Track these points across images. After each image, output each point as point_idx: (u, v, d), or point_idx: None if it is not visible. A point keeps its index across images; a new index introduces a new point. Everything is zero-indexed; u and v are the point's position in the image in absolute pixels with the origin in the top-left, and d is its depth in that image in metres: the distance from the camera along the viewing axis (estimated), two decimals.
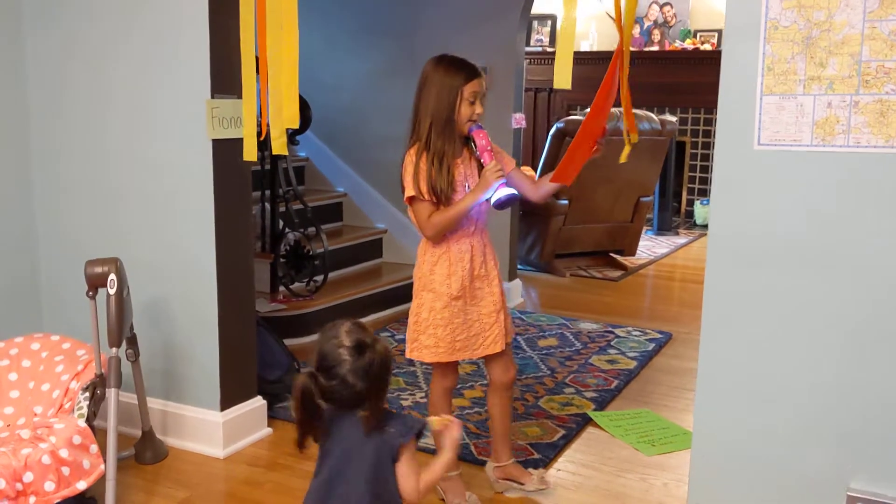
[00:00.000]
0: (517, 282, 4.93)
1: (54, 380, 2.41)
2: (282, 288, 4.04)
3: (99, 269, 2.42)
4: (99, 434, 2.35)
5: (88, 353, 2.48)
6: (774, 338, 1.89)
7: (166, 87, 2.73)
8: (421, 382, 3.45)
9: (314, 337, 4.37)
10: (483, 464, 2.74)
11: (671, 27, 8.04)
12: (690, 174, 8.14)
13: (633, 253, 6.14)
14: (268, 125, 2.37)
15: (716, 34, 7.86)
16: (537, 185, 2.43)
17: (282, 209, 4.01)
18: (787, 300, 1.86)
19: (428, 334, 2.35)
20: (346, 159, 5.11)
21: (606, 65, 2.13)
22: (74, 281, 2.63)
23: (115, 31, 2.80)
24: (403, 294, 4.19)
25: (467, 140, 2.33)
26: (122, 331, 2.42)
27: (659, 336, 4.18)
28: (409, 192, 2.28)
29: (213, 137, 2.66)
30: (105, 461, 2.29)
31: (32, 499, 2.06)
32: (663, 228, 7.31)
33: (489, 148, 2.30)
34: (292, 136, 3.87)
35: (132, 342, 2.61)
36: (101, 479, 2.28)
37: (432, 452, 2.52)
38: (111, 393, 2.38)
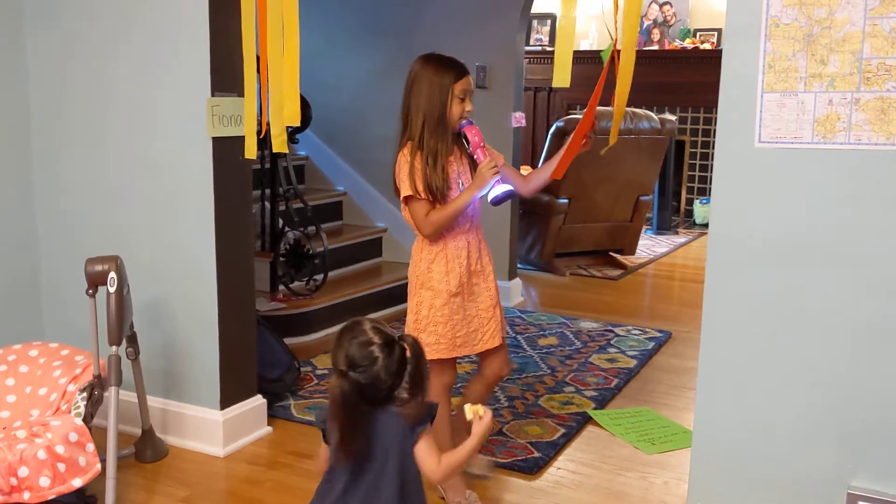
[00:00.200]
0: (517, 281, 4.93)
1: (52, 384, 2.41)
2: (281, 287, 4.04)
3: (99, 267, 2.41)
4: (99, 433, 2.35)
5: (87, 358, 2.47)
6: (774, 336, 1.89)
7: (166, 86, 2.73)
8: None
9: (314, 336, 4.38)
10: None
11: (671, 26, 8.04)
12: (690, 173, 8.14)
13: (632, 252, 6.14)
14: (268, 123, 2.37)
15: (715, 33, 7.86)
16: (527, 180, 2.45)
17: (282, 208, 4.01)
18: (788, 298, 1.86)
19: (429, 332, 2.35)
20: (346, 158, 5.11)
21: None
22: (74, 280, 2.63)
23: (115, 30, 2.79)
24: (403, 293, 4.17)
25: (457, 137, 2.34)
26: (122, 329, 2.42)
27: (659, 335, 4.18)
28: (406, 191, 2.29)
29: (214, 136, 2.66)
30: (105, 459, 2.29)
31: (27, 494, 2.06)
32: (663, 228, 7.31)
33: (482, 145, 2.32)
34: (292, 134, 3.87)
35: (132, 340, 2.61)
36: (102, 478, 2.28)
37: None
38: (112, 391, 2.37)
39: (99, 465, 2.23)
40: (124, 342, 2.50)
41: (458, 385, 3.41)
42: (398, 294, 4.41)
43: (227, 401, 2.81)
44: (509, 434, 2.96)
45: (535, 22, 8.40)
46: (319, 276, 4.06)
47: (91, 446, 2.22)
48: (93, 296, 2.44)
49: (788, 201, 1.83)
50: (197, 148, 2.68)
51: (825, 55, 1.73)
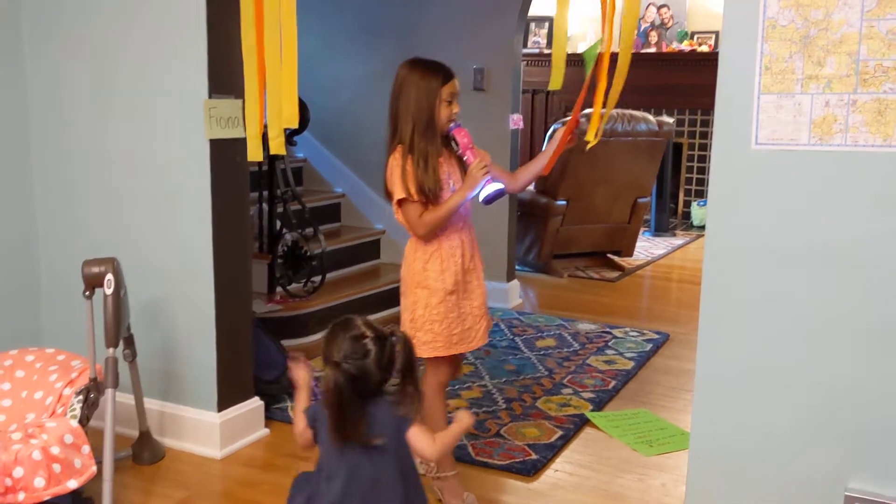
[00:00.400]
0: (515, 282, 4.93)
1: (47, 388, 2.40)
2: (279, 288, 4.04)
3: (96, 269, 2.41)
4: (96, 435, 2.34)
5: (83, 363, 2.46)
6: (772, 338, 1.89)
7: (164, 88, 2.72)
8: None
9: (311, 338, 4.37)
10: (482, 465, 2.74)
11: (668, 29, 8.05)
12: (687, 175, 8.15)
13: (630, 254, 6.15)
14: (265, 125, 2.37)
15: (713, 36, 7.87)
16: (515, 177, 2.50)
17: (280, 210, 4.01)
18: (785, 300, 1.86)
19: (425, 330, 2.37)
20: (344, 160, 5.11)
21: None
22: (73, 281, 2.63)
23: (114, 32, 2.79)
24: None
25: (446, 139, 2.38)
26: (119, 331, 2.42)
27: (656, 337, 4.18)
28: (400, 194, 2.32)
29: (211, 137, 2.66)
30: (102, 461, 2.28)
31: (22, 495, 2.05)
32: (660, 229, 7.32)
33: (471, 146, 2.36)
34: (290, 136, 3.87)
35: (129, 342, 2.61)
36: (98, 480, 2.27)
37: None
38: (108, 393, 2.37)
39: (95, 467, 2.22)
40: (121, 344, 2.50)
41: (457, 387, 3.41)
42: (396, 296, 4.35)
43: (224, 403, 2.81)
44: (507, 436, 2.96)
45: (532, 25, 8.41)
46: (317, 278, 4.05)
47: (87, 448, 2.21)
48: (90, 298, 2.43)
49: (785, 203, 1.83)
50: (194, 150, 2.68)
51: (822, 57, 1.73)
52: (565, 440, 2.94)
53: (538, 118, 8.26)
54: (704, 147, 7.96)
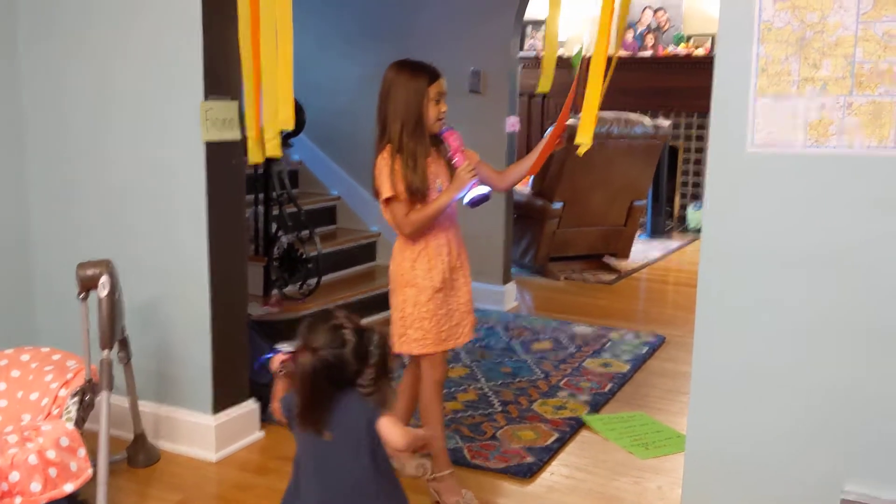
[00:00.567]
0: (511, 285, 4.93)
1: (43, 388, 2.39)
2: (275, 291, 4.03)
3: (90, 272, 2.40)
4: (91, 437, 2.33)
5: (79, 363, 2.45)
6: (768, 340, 1.89)
7: (160, 90, 2.72)
8: None
9: None
10: (477, 468, 2.73)
11: (664, 32, 8.06)
12: (683, 178, 8.15)
13: (626, 256, 6.15)
14: (261, 127, 2.37)
15: (709, 39, 7.88)
16: (502, 176, 2.55)
17: (275, 212, 4.00)
18: (781, 302, 1.86)
19: (415, 328, 2.41)
20: (340, 163, 5.10)
21: None
22: (69, 282, 2.62)
23: (110, 34, 2.79)
24: None
25: (434, 138, 2.42)
26: (113, 333, 2.41)
27: (652, 339, 4.18)
28: (387, 193, 2.35)
29: (207, 140, 2.65)
30: (97, 464, 2.27)
31: (18, 499, 2.04)
32: (656, 232, 7.33)
33: (461, 149, 2.40)
34: (286, 138, 3.87)
35: (124, 344, 2.60)
36: (93, 483, 2.26)
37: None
38: (103, 395, 2.36)
39: (91, 470, 2.22)
40: (116, 346, 2.49)
41: (453, 389, 3.40)
42: None
43: (219, 405, 2.80)
44: (502, 439, 2.95)
45: (528, 28, 8.42)
46: (313, 281, 4.04)
47: (83, 451, 2.21)
48: (84, 300, 2.43)
49: (781, 205, 1.83)
50: (190, 152, 2.68)
51: (818, 59, 1.73)
52: (561, 443, 2.93)
53: (534, 121, 8.27)
54: (700, 150, 7.97)
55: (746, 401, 1.92)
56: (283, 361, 1.87)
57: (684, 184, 8.16)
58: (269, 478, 2.66)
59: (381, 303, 4.45)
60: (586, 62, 2.27)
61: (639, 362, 3.83)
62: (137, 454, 2.73)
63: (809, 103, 1.75)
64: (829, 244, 1.79)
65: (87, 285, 2.41)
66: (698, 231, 7.47)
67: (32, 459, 2.05)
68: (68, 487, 2.13)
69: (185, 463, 2.76)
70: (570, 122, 5.30)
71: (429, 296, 2.40)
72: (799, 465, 1.88)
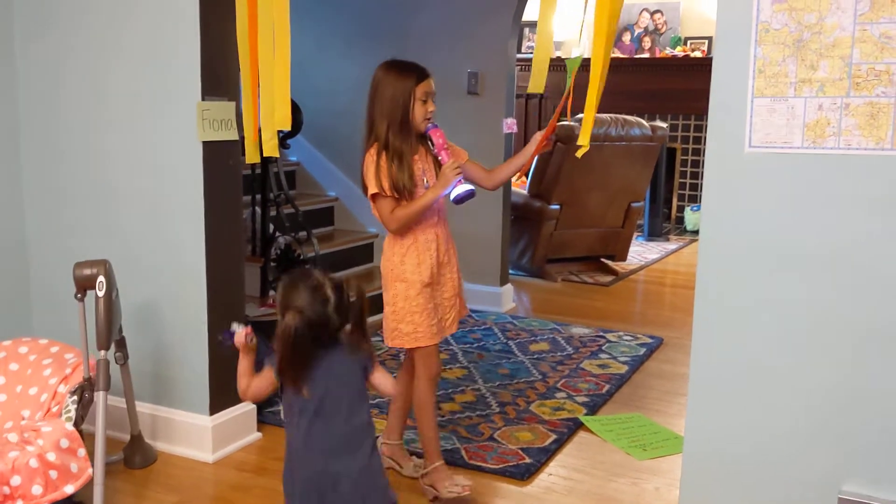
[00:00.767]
0: (509, 286, 4.93)
1: (42, 383, 2.39)
2: (272, 292, 4.02)
3: (87, 272, 2.40)
4: (87, 438, 2.33)
5: (77, 356, 2.46)
6: (765, 341, 1.89)
7: (157, 90, 2.72)
8: None
9: None
10: (475, 469, 2.73)
11: (661, 34, 8.07)
12: (681, 180, 8.17)
13: (624, 258, 6.15)
14: (259, 127, 2.37)
15: (706, 41, 7.90)
16: (491, 175, 2.57)
17: (273, 213, 3.99)
18: (778, 303, 1.86)
19: (406, 322, 2.44)
20: (338, 164, 5.10)
21: None
22: (65, 282, 2.61)
23: (107, 34, 2.78)
24: None
25: (422, 137, 2.45)
26: (110, 333, 2.41)
27: (650, 341, 4.18)
28: (373, 189, 2.39)
29: (204, 140, 2.65)
30: (93, 465, 2.27)
31: (20, 502, 2.05)
32: (654, 234, 7.33)
33: (446, 146, 2.43)
34: (283, 139, 3.86)
35: (121, 345, 2.59)
36: (90, 484, 2.26)
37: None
38: (100, 396, 2.36)
39: (91, 470, 2.22)
40: (113, 346, 2.49)
41: (450, 391, 3.40)
42: None
43: (216, 406, 2.80)
44: (500, 440, 2.95)
45: (526, 30, 8.43)
46: None
47: (82, 451, 2.21)
48: (82, 300, 2.42)
49: (779, 206, 1.83)
50: (187, 152, 2.67)
51: (815, 60, 1.73)
52: (559, 444, 2.93)
53: (532, 122, 8.27)
54: (698, 152, 7.99)
55: (745, 401, 1.92)
56: (247, 334, 1.95)
57: (682, 186, 8.17)
58: (266, 478, 2.66)
59: (380, 304, 4.46)
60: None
61: (636, 364, 3.83)
62: (134, 455, 2.73)
63: (807, 104, 1.75)
64: (826, 244, 1.79)
65: (85, 285, 2.41)
66: (696, 233, 7.48)
67: (33, 463, 2.06)
68: (69, 489, 2.14)
69: (182, 464, 2.75)
70: (564, 123, 5.33)
71: (418, 290, 2.43)
72: (796, 465, 1.88)
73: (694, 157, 8.03)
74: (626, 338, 4.24)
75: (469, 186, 2.42)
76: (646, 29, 8.10)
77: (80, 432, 2.27)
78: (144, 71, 2.73)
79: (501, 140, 4.58)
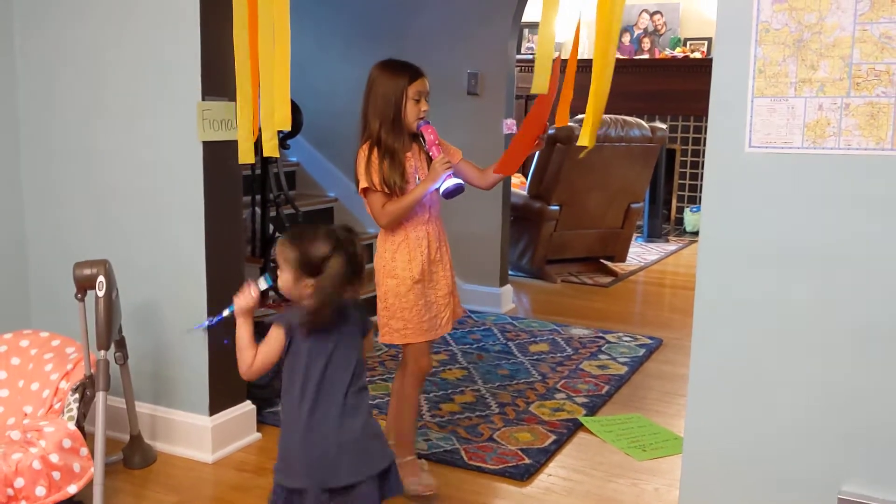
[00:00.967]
0: (508, 287, 4.93)
1: (44, 379, 2.40)
2: (271, 293, 4.02)
3: (88, 271, 2.40)
4: (87, 438, 2.33)
5: (78, 350, 2.46)
6: (765, 342, 1.89)
7: (157, 89, 2.72)
8: None
9: None
10: (475, 469, 2.73)
11: (661, 35, 8.08)
12: (680, 181, 8.17)
13: (623, 259, 6.15)
14: (259, 127, 2.37)
15: (705, 42, 7.90)
16: (484, 175, 2.59)
17: (272, 213, 3.99)
18: (778, 304, 1.86)
19: (397, 318, 2.47)
20: (338, 164, 5.10)
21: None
22: (64, 282, 2.61)
23: (107, 33, 2.78)
24: None
25: (415, 135, 2.49)
26: (110, 333, 2.41)
27: (649, 342, 4.18)
28: (363, 184, 2.44)
29: (204, 140, 2.65)
30: (93, 465, 2.27)
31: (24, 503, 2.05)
32: (653, 235, 7.33)
33: (437, 142, 2.47)
34: (283, 139, 3.86)
35: (121, 345, 2.59)
36: (89, 484, 2.26)
37: None
38: (99, 396, 2.35)
39: (93, 469, 2.22)
40: (112, 346, 2.48)
41: (450, 391, 3.39)
42: None
43: (215, 406, 2.80)
44: (500, 440, 2.95)
45: (526, 31, 8.43)
46: None
47: (84, 450, 2.22)
48: (82, 300, 2.42)
49: (779, 206, 1.83)
50: (187, 152, 2.67)
51: (815, 60, 1.73)
52: (559, 445, 2.93)
53: None
54: (697, 153, 7.99)
55: (744, 402, 1.92)
56: (265, 291, 1.94)
57: (681, 186, 8.18)
58: (266, 479, 2.65)
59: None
60: (562, 64, 2.29)
61: (636, 364, 3.83)
62: (134, 455, 2.72)
63: (807, 104, 1.75)
64: (827, 245, 1.79)
65: (84, 285, 2.41)
66: (695, 234, 7.49)
67: (36, 465, 2.07)
68: (72, 489, 2.15)
69: (182, 464, 2.75)
70: (568, 124, 5.33)
71: (408, 286, 2.45)
72: (796, 466, 1.88)
73: (693, 159, 8.03)
74: (625, 339, 4.24)
75: (458, 181, 2.45)
76: (645, 30, 8.10)
77: (82, 430, 2.27)
78: (144, 71, 2.73)
79: (501, 140, 4.58)
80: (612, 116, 5.54)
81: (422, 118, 2.45)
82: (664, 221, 7.82)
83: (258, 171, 3.91)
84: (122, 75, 2.78)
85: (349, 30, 5.01)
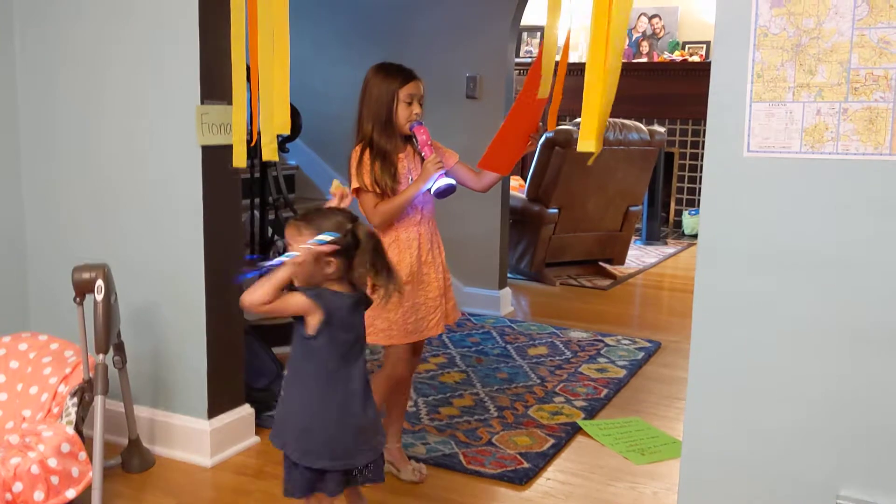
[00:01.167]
0: (507, 290, 4.93)
1: (42, 382, 2.39)
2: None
3: (86, 275, 2.40)
4: (86, 442, 2.33)
5: (76, 354, 2.45)
6: (764, 345, 1.89)
7: (156, 93, 2.72)
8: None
9: None
10: (473, 473, 2.73)
11: (660, 39, 8.09)
12: (679, 184, 8.18)
13: (622, 262, 6.16)
14: (258, 131, 2.37)
15: (704, 46, 7.92)
16: (480, 176, 2.61)
17: (271, 217, 4.00)
18: (777, 307, 1.86)
19: (382, 318, 2.47)
20: (337, 167, 5.11)
21: None
22: (63, 286, 2.61)
23: (106, 36, 2.78)
24: None
25: (408, 137, 2.52)
26: (109, 337, 2.40)
27: (648, 345, 4.19)
28: (355, 184, 2.47)
29: (203, 144, 2.65)
30: (92, 469, 2.27)
31: None
32: (652, 238, 7.34)
33: (429, 143, 2.49)
34: (282, 143, 3.87)
35: (119, 349, 2.59)
36: (89, 488, 2.26)
37: None
38: (98, 400, 2.35)
39: (91, 474, 2.22)
40: (111, 350, 2.48)
41: (449, 395, 3.39)
42: None
43: (214, 410, 2.79)
44: (498, 444, 2.95)
45: (525, 34, 8.44)
46: None
47: (83, 455, 2.21)
48: (80, 304, 2.42)
49: (777, 210, 1.83)
50: (186, 156, 2.68)
51: (813, 65, 1.73)
52: (557, 449, 2.93)
53: None
54: (696, 156, 8.00)
55: (743, 406, 1.92)
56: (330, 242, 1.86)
57: (679, 189, 8.19)
58: (265, 482, 2.66)
59: None
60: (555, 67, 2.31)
61: (635, 368, 3.84)
62: (132, 459, 2.72)
63: (805, 109, 1.75)
64: (825, 249, 1.79)
65: (83, 289, 2.41)
66: (694, 236, 7.50)
67: (35, 470, 2.06)
68: (70, 493, 2.14)
69: (180, 468, 2.75)
70: (563, 127, 5.34)
71: None
72: (795, 470, 1.88)
73: (692, 162, 8.04)
74: (624, 342, 4.24)
75: (450, 180, 2.47)
76: (644, 33, 8.12)
77: (81, 434, 2.26)
78: (143, 74, 2.73)
79: None
80: (611, 120, 5.55)
81: (414, 120, 2.47)
82: (663, 224, 7.83)
83: (257, 175, 3.92)
84: (122, 79, 2.78)
85: (348, 33, 5.02)
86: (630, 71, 7.87)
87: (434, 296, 2.54)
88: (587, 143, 2.06)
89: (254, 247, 4.01)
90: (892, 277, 1.74)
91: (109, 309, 2.40)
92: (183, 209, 2.71)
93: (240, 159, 2.47)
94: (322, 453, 1.90)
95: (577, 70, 7.75)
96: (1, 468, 2.04)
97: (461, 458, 2.83)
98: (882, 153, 1.70)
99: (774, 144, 1.79)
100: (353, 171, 2.47)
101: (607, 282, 5.74)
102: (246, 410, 2.92)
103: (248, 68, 2.38)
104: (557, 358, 3.96)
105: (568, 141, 5.13)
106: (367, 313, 2.47)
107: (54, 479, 2.10)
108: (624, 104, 7.37)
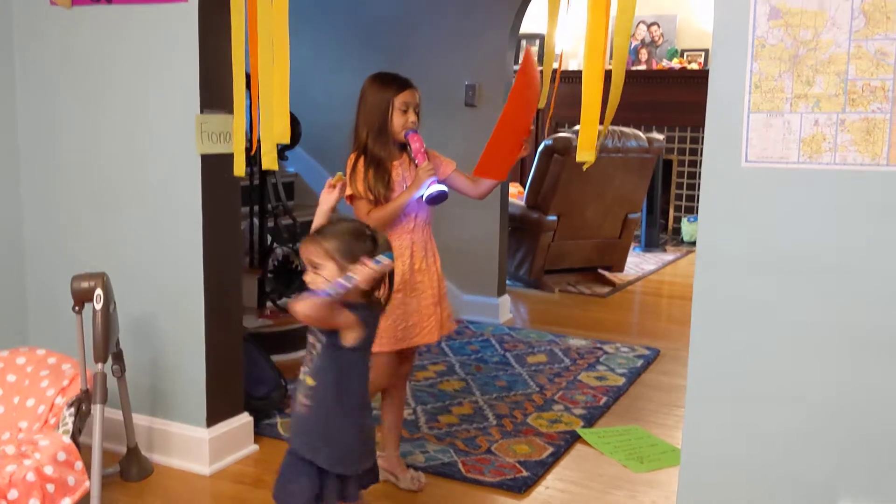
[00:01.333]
0: (506, 297, 4.93)
1: (39, 395, 2.39)
2: (269, 303, 4.02)
3: (85, 284, 2.40)
4: (84, 451, 2.32)
5: (74, 367, 2.45)
6: (762, 353, 1.89)
7: (156, 102, 2.72)
8: (410, 400, 3.43)
9: (301, 353, 4.35)
10: (472, 482, 2.73)
11: (658, 46, 8.11)
12: (677, 192, 8.19)
13: (621, 269, 6.16)
14: (258, 140, 2.38)
15: (703, 53, 7.94)
16: (476, 184, 2.61)
17: (270, 224, 4.00)
18: (776, 316, 1.86)
19: None
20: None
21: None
22: (62, 294, 2.61)
23: (105, 45, 2.79)
24: None
25: (404, 146, 2.54)
26: (107, 346, 2.40)
27: (647, 352, 4.19)
28: (349, 191, 2.48)
29: (202, 152, 2.65)
30: (90, 478, 2.27)
31: None
32: (651, 245, 7.35)
33: (423, 150, 2.52)
34: (282, 151, 3.88)
35: (118, 358, 2.59)
36: (86, 496, 2.26)
37: None
38: (96, 409, 2.35)
39: (87, 483, 2.21)
40: (110, 359, 2.48)
41: (448, 403, 3.39)
42: None
43: (213, 418, 2.79)
44: (497, 452, 2.95)
45: (523, 42, 8.46)
46: None
47: (79, 464, 2.21)
48: (79, 312, 2.42)
49: (776, 218, 1.83)
50: (186, 164, 2.68)
51: (811, 76, 1.74)
52: (556, 457, 2.93)
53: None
54: (694, 164, 8.01)
55: (742, 414, 1.93)
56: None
57: (678, 197, 8.20)
58: (263, 491, 2.65)
59: None
60: (552, 74, 2.33)
61: (634, 375, 3.84)
62: (130, 467, 2.72)
63: (802, 120, 1.76)
64: (823, 258, 1.80)
65: (82, 298, 2.41)
66: (692, 244, 7.50)
67: (30, 477, 2.06)
68: (66, 502, 2.13)
69: (179, 476, 2.75)
70: (562, 135, 5.35)
71: None
72: (794, 478, 1.88)
73: (690, 169, 8.05)
74: (623, 349, 4.24)
75: (441, 187, 2.49)
76: (643, 41, 8.14)
77: (78, 445, 2.26)
78: (143, 83, 2.74)
79: None
80: (610, 127, 5.56)
81: (409, 128, 2.49)
82: (661, 231, 7.84)
83: (256, 182, 3.92)
84: (121, 88, 2.78)
85: (348, 42, 5.03)
86: (628, 78, 7.81)
87: (428, 303, 2.53)
88: (586, 153, 2.08)
89: (252, 255, 4.01)
90: (890, 283, 1.75)
91: (108, 318, 2.40)
92: (182, 217, 2.71)
93: (239, 169, 2.48)
94: (351, 460, 1.94)
95: (575, 78, 7.77)
96: None
97: (460, 466, 2.83)
98: (879, 163, 1.71)
99: (772, 155, 1.80)
100: (348, 178, 2.49)
101: (606, 289, 5.75)
102: (245, 419, 2.92)
103: (247, 77, 2.39)
104: (556, 366, 3.96)
105: (567, 148, 5.14)
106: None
107: (50, 487, 2.09)
108: (622, 111, 7.36)
